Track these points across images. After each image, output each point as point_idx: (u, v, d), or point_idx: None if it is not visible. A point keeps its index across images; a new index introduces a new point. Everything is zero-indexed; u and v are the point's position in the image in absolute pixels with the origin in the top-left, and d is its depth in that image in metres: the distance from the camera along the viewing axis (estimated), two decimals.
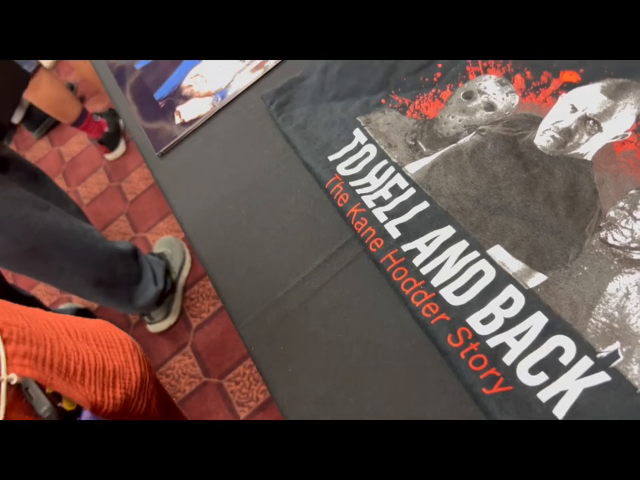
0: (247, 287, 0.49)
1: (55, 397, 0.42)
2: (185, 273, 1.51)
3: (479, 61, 0.48)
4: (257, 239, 0.50)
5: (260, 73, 0.60)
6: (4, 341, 0.41)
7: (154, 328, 1.43)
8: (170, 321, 1.44)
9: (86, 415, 0.44)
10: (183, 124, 0.62)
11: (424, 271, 0.40)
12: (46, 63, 2.34)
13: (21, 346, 0.42)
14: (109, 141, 1.86)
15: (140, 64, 0.72)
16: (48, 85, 1.60)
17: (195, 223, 0.55)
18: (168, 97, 0.66)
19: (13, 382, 0.39)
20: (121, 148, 1.90)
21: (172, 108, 0.64)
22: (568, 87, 0.44)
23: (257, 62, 0.62)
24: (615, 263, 0.37)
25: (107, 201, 1.80)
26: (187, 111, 0.63)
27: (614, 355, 0.34)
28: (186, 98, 0.64)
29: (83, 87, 2.18)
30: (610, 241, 0.37)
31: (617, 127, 0.42)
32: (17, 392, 0.40)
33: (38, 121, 2.08)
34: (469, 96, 0.48)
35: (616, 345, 0.34)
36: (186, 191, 0.57)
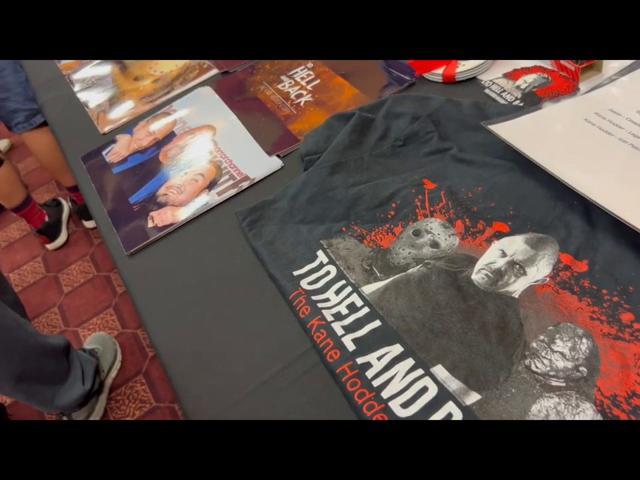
0: (205, 389, 0.51)
1: None
2: (113, 373, 1.46)
3: (427, 205, 0.57)
4: (219, 343, 0.53)
5: (234, 191, 0.67)
6: None
7: None
8: None
9: None
10: (155, 228, 0.66)
11: (375, 383, 0.45)
12: (1, 145, 2.36)
13: None
14: (48, 231, 1.84)
15: (117, 169, 0.78)
16: None
17: (158, 324, 0.57)
18: (143, 201, 0.71)
19: None
20: (62, 238, 1.88)
21: (146, 212, 0.69)
22: (499, 235, 0.53)
23: (230, 183, 0.69)
24: (537, 387, 0.43)
25: (41, 290, 1.75)
26: (160, 217, 0.68)
27: None
28: (160, 205, 0.69)
29: (35, 175, 2.19)
30: (533, 368, 0.44)
31: (538, 272, 0.50)
32: None
33: None
34: (417, 233, 0.56)
35: None
36: (152, 291, 0.60)
